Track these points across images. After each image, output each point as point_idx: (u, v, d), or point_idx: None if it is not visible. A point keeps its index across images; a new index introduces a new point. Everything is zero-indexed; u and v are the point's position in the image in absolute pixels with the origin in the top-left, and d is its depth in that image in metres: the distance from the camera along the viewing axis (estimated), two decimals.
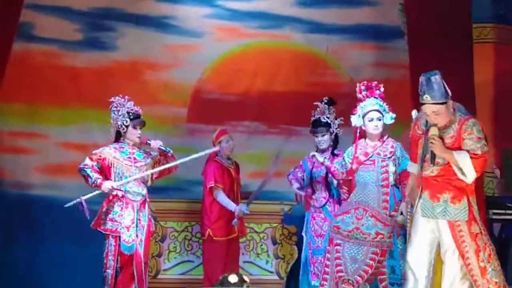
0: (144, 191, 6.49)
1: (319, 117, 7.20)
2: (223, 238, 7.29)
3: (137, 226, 6.38)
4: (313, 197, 7.10)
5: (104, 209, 6.42)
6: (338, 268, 6.06)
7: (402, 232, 6.39)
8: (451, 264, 5.36)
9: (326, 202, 7.06)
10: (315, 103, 7.22)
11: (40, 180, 8.23)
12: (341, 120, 7.15)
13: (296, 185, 7.15)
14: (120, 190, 6.36)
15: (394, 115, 6.36)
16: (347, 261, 6.06)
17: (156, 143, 6.53)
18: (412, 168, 5.63)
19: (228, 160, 7.46)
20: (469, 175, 5.25)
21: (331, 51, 8.87)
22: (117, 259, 6.35)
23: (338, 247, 6.10)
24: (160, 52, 8.65)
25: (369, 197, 6.11)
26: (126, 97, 6.52)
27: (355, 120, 6.31)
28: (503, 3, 8.44)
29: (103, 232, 6.38)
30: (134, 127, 6.48)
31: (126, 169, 6.44)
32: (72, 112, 8.33)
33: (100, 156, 6.45)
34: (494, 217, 7.26)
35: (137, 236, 6.36)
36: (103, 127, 8.21)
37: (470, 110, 7.95)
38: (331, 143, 7.17)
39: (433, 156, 5.32)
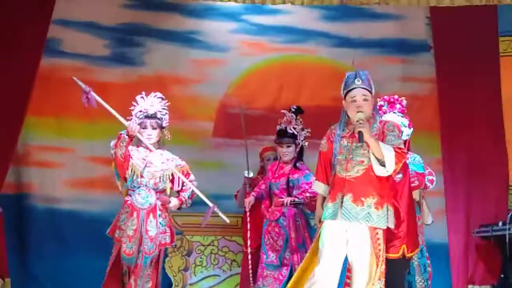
0: (153, 200, 5.98)
1: (285, 127, 7.01)
2: (251, 250, 7.15)
3: (142, 237, 5.91)
4: (269, 209, 6.93)
5: (118, 216, 6.06)
6: None
7: (421, 247, 6.26)
8: (363, 271, 5.24)
9: (281, 216, 6.89)
10: (282, 111, 7.08)
11: (67, 194, 8.25)
12: (308, 131, 7.02)
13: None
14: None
15: (410, 131, 6.31)
16: None
17: (174, 205, 6.12)
18: (321, 188, 5.49)
19: None
20: (390, 167, 5.20)
21: (357, 65, 8.82)
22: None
23: None
24: (186, 67, 8.68)
25: None
26: (154, 94, 6.19)
27: None
28: None
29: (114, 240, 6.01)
30: (144, 128, 6.05)
31: (136, 169, 5.98)
32: (100, 127, 8.35)
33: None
34: None
35: (142, 248, 5.88)
36: None
37: (498, 124, 8.02)
38: (295, 155, 6.99)
39: (361, 136, 5.23)
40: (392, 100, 6.30)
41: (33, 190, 8.23)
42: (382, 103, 6.29)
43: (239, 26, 8.81)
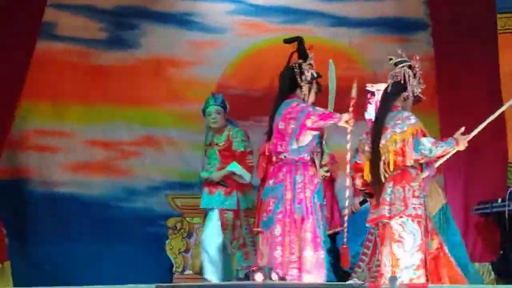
0: None
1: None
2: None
3: None
4: None
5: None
6: None
7: None
8: None
9: None
10: None
11: (66, 178, 8.25)
12: None
13: None
14: None
15: None
16: None
17: None
18: None
19: None
20: None
21: (355, 45, 8.82)
22: None
23: None
24: (183, 49, 8.64)
25: None
26: None
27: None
28: None
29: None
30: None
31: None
32: (98, 110, 8.35)
33: None
34: None
35: None
36: (128, 125, 8.31)
37: (497, 100, 8.00)
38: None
39: None
40: None
41: (32, 174, 8.22)
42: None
43: (236, 7, 8.76)
